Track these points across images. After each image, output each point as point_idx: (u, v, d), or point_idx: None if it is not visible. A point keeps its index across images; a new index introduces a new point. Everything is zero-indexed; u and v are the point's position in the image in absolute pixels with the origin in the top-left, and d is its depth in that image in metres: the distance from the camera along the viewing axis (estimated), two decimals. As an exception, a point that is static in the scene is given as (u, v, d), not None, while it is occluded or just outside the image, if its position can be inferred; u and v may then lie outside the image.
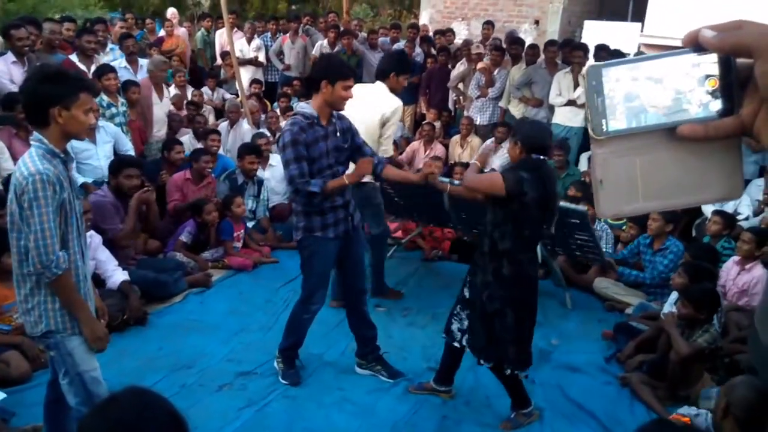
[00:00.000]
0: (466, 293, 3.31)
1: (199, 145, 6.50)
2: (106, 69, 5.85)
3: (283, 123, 7.61)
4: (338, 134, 3.41)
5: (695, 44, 0.61)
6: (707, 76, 0.61)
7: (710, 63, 0.61)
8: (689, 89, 0.62)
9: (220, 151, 6.76)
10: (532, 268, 3.22)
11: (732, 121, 0.61)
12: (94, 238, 4.15)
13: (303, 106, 3.42)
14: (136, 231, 4.68)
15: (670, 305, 4.20)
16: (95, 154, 5.41)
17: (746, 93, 0.60)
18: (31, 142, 2.37)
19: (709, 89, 0.61)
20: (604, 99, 0.63)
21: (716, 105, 0.61)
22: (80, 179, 4.99)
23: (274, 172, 6.33)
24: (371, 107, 4.22)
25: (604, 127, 0.63)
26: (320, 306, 3.64)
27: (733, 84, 0.61)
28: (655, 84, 0.62)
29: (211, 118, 7.67)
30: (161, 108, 6.53)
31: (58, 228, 2.33)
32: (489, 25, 9.13)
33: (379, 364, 3.84)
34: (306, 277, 3.61)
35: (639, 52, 7.73)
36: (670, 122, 0.62)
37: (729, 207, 5.54)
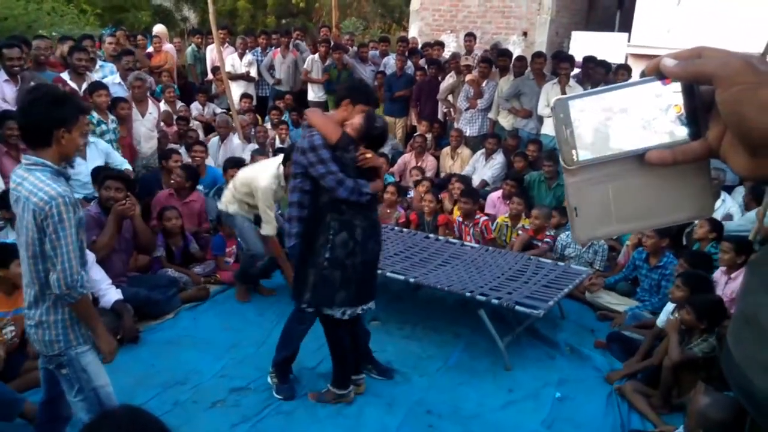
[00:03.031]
0: None
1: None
2: (98, 86, 5.86)
3: (272, 136, 7.64)
4: None
5: (658, 73, 0.62)
6: (671, 104, 0.63)
7: (673, 91, 0.63)
8: (654, 118, 0.63)
9: (212, 164, 6.77)
10: None
11: (699, 145, 0.62)
12: (88, 256, 4.12)
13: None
14: (112, 244, 4.52)
15: (666, 314, 4.20)
16: (85, 170, 5.40)
17: (711, 116, 0.61)
18: (30, 166, 2.34)
19: (673, 116, 0.63)
20: (573, 130, 0.65)
21: (682, 131, 0.63)
22: (71, 196, 4.95)
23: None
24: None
25: (574, 157, 0.65)
26: (313, 318, 3.63)
27: (697, 109, 0.62)
28: (620, 114, 0.64)
29: (200, 134, 7.67)
30: (143, 124, 6.48)
31: (78, 248, 2.35)
32: (471, 37, 9.33)
33: (370, 363, 3.94)
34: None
35: (624, 64, 7.82)
36: (638, 149, 0.64)
37: (718, 214, 5.58)
